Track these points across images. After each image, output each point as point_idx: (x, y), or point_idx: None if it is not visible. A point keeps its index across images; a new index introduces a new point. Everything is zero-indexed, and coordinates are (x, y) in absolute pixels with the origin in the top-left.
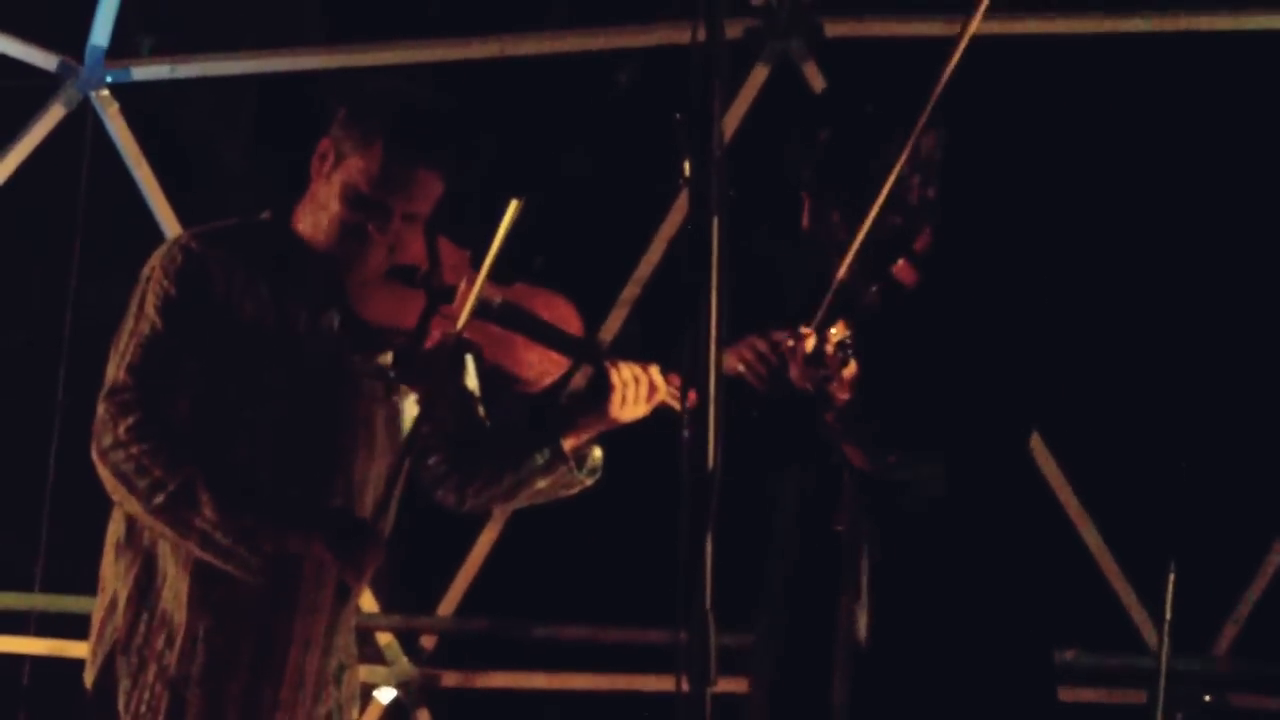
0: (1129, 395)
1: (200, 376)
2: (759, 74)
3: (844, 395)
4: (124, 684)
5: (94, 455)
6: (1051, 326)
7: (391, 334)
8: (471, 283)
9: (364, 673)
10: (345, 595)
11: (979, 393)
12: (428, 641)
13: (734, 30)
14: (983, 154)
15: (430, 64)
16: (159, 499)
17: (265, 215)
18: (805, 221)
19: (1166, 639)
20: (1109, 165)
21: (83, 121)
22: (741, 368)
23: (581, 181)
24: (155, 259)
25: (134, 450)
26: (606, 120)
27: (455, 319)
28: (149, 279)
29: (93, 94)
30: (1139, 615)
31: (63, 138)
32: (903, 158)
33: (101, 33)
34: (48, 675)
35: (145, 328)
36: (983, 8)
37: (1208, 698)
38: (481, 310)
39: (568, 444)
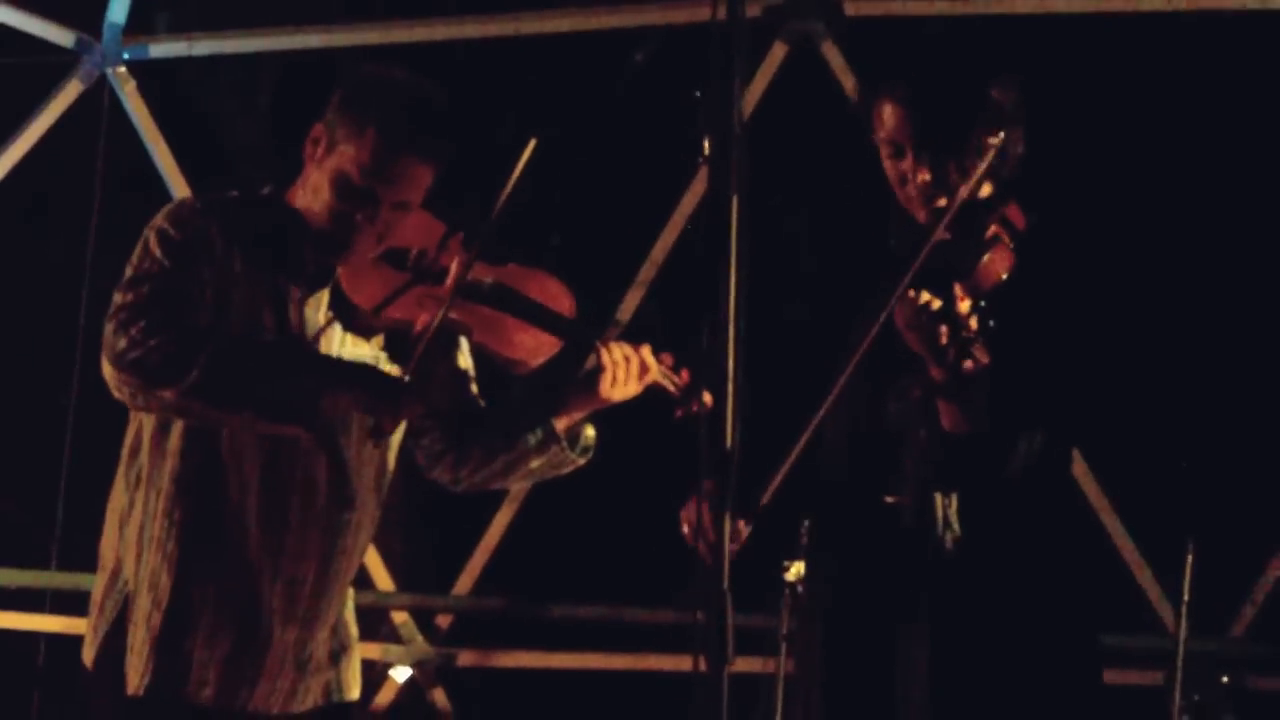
0: (1147, 376)
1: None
2: (778, 52)
3: (984, 359)
4: (128, 654)
5: (108, 369)
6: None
7: (382, 316)
8: (463, 265)
9: (379, 652)
10: (328, 569)
11: (1086, 365)
12: (443, 621)
13: (753, 8)
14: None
15: (446, 42)
16: (193, 376)
17: (265, 190)
18: (905, 179)
19: (1184, 620)
20: (1120, 154)
21: (100, 98)
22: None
23: (599, 160)
24: (158, 215)
25: (153, 343)
26: (624, 99)
27: (446, 301)
28: (151, 227)
29: (110, 70)
30: (1157, 597)
31: (80, 114)
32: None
33: (119, 9)
34: (63, 653)
35: (150, 265)
36: None
37: (1225, 679)
38: (472, 291)
39: (560, 424)
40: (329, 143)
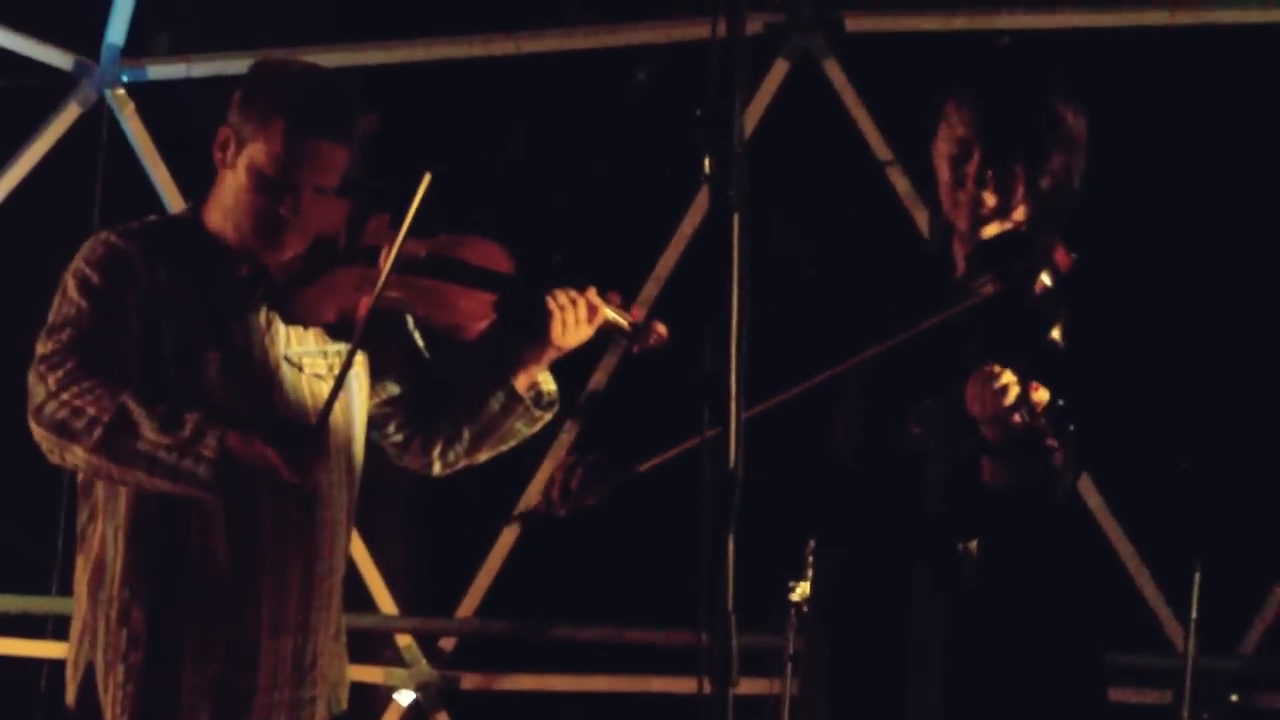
0: (1153, 392)
1: (133, 364)
2: (779, 69)
3: (1060, 461)
4: (103, 694)
5: (30, 423)
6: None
7: (321, 309)
8: (393, 244)
9: (383, 675)
10: (311, 572)
11: (1124, 398)
12: (447, 643)
13: (754, 25)
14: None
15: (447, 61)
16: (97, 433)
17: (184, 211)
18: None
19: (1193, 638)
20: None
21: (98, 121)
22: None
23: (601, 179)
24: (76, 256)
25: (65, 397)
26: (626, 117)
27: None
28: (70, 271)
29: (108, 93)
30: (1165, 614)
31: (79, 137)
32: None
33: (117, 31)
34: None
35: (70, 310)
36: None
37: (1234, 697)
38: (408, 265)
39: (520, 383)
40: (238, 142)
